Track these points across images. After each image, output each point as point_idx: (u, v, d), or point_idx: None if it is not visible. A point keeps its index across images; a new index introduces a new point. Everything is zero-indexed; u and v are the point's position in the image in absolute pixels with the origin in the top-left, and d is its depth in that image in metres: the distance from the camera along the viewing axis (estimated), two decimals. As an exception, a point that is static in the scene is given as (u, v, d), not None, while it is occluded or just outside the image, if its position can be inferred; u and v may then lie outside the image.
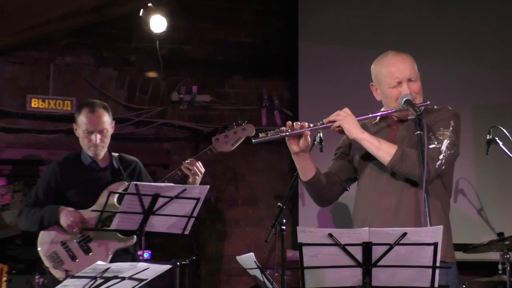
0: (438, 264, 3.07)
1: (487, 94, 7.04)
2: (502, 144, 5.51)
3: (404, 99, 3.56)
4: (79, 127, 4.88)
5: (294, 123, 3.63)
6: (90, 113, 4.83)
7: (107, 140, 4.90)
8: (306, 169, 3.75)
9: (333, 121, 3.60)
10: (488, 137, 5.58)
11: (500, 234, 5.55)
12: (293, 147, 3.67)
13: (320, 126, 3.63)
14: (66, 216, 4.67)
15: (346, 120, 3.58)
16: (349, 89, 6.59)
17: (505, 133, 5.53)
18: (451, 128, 3.58)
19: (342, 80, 6.99)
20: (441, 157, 3.50)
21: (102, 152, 4.89)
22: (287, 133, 3.61)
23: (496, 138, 5.55)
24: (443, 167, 3.52)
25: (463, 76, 7.05)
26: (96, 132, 4.82)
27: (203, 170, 4.81)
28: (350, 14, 7.27)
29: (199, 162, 4.81)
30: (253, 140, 3.72)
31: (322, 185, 3.79)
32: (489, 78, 7.05)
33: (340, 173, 3.87)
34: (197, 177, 4.78)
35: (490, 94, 7.04)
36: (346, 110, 3.63)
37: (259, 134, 3.69)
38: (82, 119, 4.84)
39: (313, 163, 3.75)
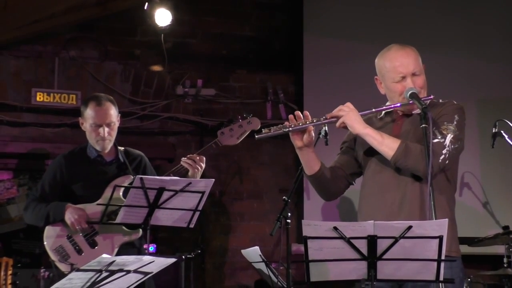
0: (443, 257, 3.07)
1: (492, 87, 7.03)
2: (508, 138, 5.50)
3: (410, 92, 3.55)
4: (86, 121, 4.87)
5: (296, 113, 3.63)
6: (97, 107, 4.83)
7: (114, 134, 4.89)
8: (310, 164, 3.74)
9: (336, 116, 3.59)
10: (493, 131, 5.57)
11: (505, 228, 5.55)
12: (297, 142, 3.67)
13: (323, 121, 3.62)
14: (71, 214, 4.67)
15: (349, 116, 3.57)
16: (354, 83, 6.58)
17: (510, 126, 5.51)
18: (455, 123, 3.56)
19: (347, 74, 6.98)
20: (444, 151, 3.49)
21: (109, 145, 4.89)
22: (290, 129, 3.61)
23: (502, 132, 5.54)
24: (447, 162, 3.51)
25: (468, 70, 7.04)
26: (104, 125, 4.81)
27: (203, 165, 4.78)
28: (355, 8, 7.26)
29: (202, 157, 4.77)
30: (256, 136, 3.71)
31: (327, 179, 3.78)
32: (494, 71, 7.04)
33: (345, 167, 3.86)
34: (196, 171, 4.75)
35: (495, 87, 7.03)
36: (349, 105, 3.62)
37: (262, 129, 3.68)
38: (89, 112, 4.84)
39: (318, 157, 3.75)
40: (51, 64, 6.88)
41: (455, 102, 3.69)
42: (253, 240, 6.98)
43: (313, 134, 3.64)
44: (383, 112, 3.76)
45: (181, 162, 4.75)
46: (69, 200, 4.76)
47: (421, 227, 3.06)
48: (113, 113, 4.86)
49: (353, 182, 3.91)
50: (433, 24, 7.11)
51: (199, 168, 4.74)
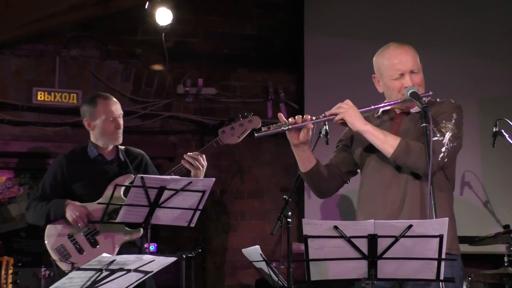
0: (443, 256, 3.07)
1: (493, 87, 7.03)
2: (508, 137, 5.50)
3: (410, 91, 3.55)
4: (98, 117, 4.86)
5: (296, 117, 3.63)
6: (108, 100, 4.91)
7: None
8: (305, 161, 3.74)
9: (335, 114, 3.60)
10: (494, 130, 5.57)
11: (506, 227, 5.56)
12: (293, 139, 3.67)
13: (323, 119, 3.63)
14: (72, 211, 4.68)
15: (348, 113, 3.57)
16: (355, 81, 6.55)
17: (511, 125, 5.52)
18: (453, 121, 3.56)
19: (348, 73, 6.98)
20: (443, 149, 3.49)
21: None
22: (290, 127, 3.61)
23: (502, 131, 5.55)
24: (446, 160, 3.51)
25: (469, 69, 7.04)
26: (117, 117, 4.89)
27: (205, 163, 4.77)
28: (356, 6, 7.26)
29: (202, 156, 4.77)
30: (255, 134, 3.71)
31: (321, 176, 3.78)
32: (495, 71, 7.04)
33: (341, 166, 3.86)
34: (198, 171, 4.74)
35: (496, 87, 7.03)
36: (348, 102, 3.62)
37: (261, 128, 3.68)
38: (100, 109, 4.85)
39: (313, 154, 3.75)
40: (52, 63, 6.88)
41: (453, 101, 3.69)
42: (254, 239, 6.98)
43: (311, 133, 3.64)
44: (380, 110, 3.76)
45: (182, 162, 4.75)
46: (70, 199, 4.76)
47: (421, 226, 3.06)
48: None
49: (348, 181, 3.91)
50: (434, 23, 7.11)
51: (201, 167, 4.73)
